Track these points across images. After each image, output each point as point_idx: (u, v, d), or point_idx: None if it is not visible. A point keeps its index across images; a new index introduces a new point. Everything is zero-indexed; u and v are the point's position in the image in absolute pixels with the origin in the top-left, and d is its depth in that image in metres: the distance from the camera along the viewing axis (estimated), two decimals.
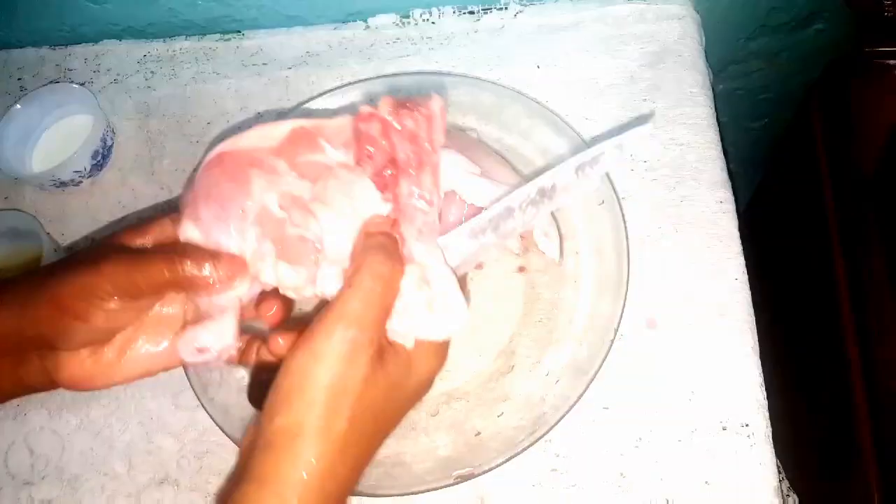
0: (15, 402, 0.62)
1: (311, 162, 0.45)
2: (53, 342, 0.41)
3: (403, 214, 0.43)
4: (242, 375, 0.59)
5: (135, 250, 0.43)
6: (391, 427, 0.42)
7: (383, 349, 0.40)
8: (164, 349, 0.44)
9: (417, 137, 0.44)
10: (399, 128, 0.44)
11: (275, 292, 0.45)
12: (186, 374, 0.57)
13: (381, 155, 0.44)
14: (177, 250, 0.42)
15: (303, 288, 0.44)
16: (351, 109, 0.59)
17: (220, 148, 0.45)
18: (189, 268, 0.42)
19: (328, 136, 0.45)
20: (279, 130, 0.45)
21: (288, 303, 0.46)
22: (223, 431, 0.55)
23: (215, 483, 0.58)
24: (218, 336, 0.43)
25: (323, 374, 0.37)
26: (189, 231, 0.44)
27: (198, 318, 0.43)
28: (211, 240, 0.43)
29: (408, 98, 0.45)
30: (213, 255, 0.42)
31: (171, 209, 0.69)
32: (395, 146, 0.44)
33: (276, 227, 0.44)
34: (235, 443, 0.54)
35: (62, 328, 0.40)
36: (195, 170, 0.46)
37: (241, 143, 0.45)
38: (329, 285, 0.43)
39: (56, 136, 0.73)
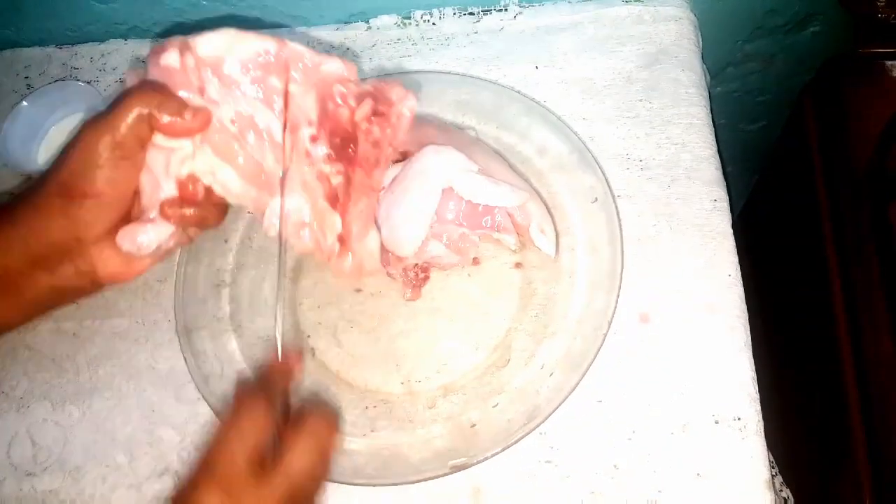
0: (18, 394, 0.64)
1: (274, 89, 0.45)
2: (76, 235, 0.42)
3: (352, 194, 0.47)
4: (243, 368, 0.60)
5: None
6: None
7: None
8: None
9: (380, 142, 0.47)
10: (365, 128, 0.47)
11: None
12: (188, 368, 0.58)
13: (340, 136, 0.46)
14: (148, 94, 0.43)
15: (242, 196, 0.47)
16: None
17: (190, 41, 0.44)
18: (163, 105, 0.43)
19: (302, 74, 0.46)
20: (252, 47, 0.45)
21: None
22: None
23: None
24: (156, 234, 0.44)
25: None
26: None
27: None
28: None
29: (382, 94, 0.47)
30: (183, 102, 0.44)
31: None
32: (357, 140, 0.47)
33: (226, 142, 0.45)
34: None
35: (75, 213, 0.42)
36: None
37: (210, 48, 0.44)
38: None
39: (62, 134, 0.74)
